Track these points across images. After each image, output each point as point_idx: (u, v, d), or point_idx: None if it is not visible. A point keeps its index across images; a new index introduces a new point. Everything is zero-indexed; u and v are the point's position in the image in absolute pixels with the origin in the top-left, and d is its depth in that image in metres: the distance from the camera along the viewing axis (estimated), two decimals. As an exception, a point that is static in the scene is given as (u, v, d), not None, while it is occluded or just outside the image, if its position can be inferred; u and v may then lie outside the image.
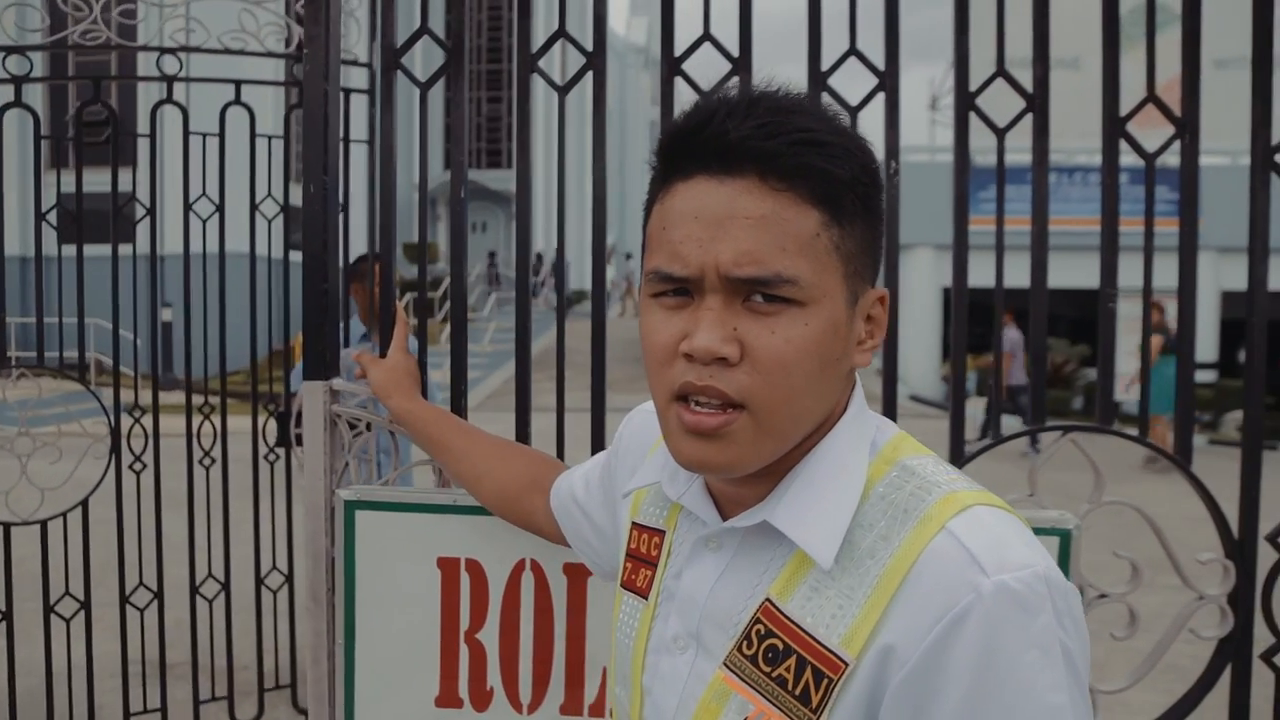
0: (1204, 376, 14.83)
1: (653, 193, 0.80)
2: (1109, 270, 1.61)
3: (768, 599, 0.77)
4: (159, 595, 3.07)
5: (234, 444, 3.25)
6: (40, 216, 2.61)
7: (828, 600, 0.74)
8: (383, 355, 1.51)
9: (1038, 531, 1.42)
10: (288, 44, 3.11)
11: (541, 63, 1.65)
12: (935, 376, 17.06)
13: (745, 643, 0.77)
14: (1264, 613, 1.62)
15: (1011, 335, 10.67)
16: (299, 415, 1.99)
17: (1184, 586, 1.61)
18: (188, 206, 3.02)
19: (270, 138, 3.40)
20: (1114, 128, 1.62)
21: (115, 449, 2.80)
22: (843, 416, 0.80)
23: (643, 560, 0.91)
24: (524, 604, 1.49)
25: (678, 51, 1.63)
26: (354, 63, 2.99)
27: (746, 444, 0.75)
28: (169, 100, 2.82)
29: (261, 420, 3.39)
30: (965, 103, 1.60)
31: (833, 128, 0.75)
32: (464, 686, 1.51)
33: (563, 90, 1.64)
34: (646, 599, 0.88)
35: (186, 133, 2.96)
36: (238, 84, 2.96)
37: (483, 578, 1.49)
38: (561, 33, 1.61)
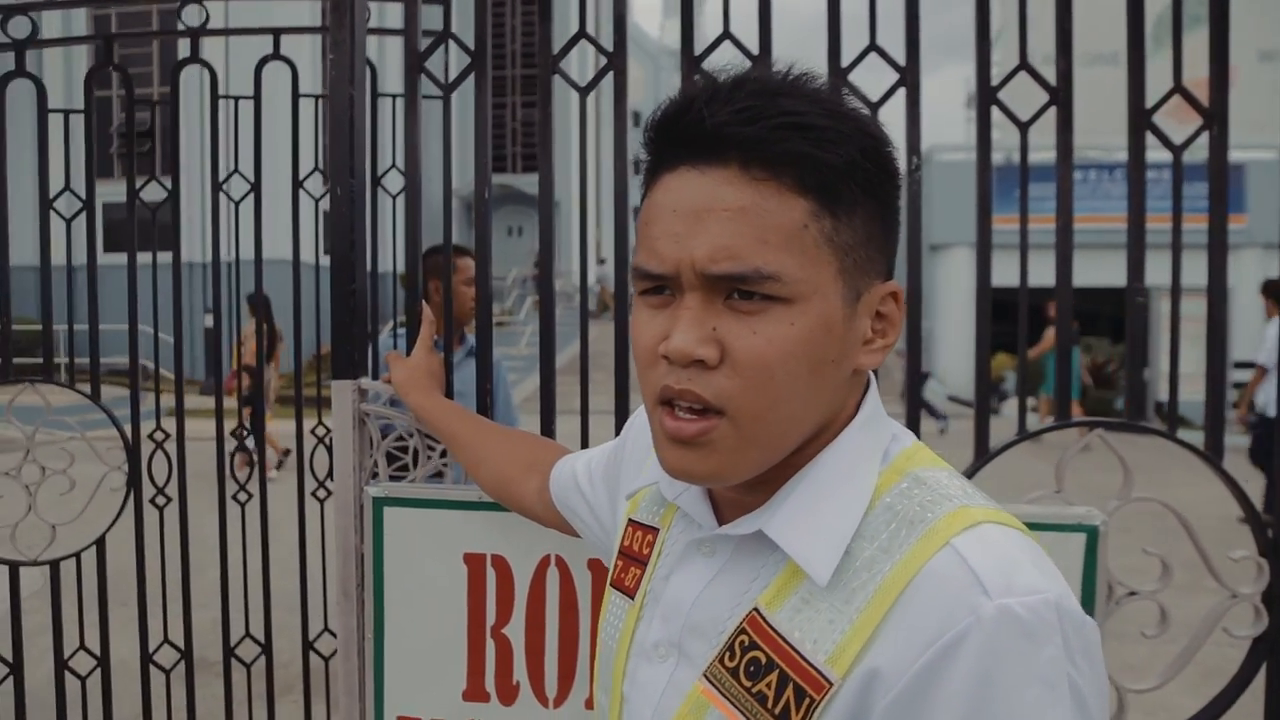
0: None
1: (644, 184, 0.75)
2: (1136, 266, 1.60)
3: (755, 608, 0.73)
4: (187, 655, 2.47)
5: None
6: (48, 204, 2.25)
7: (818, 613, 0.69)
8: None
9: (1063, 529, 1.41)
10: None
11: (572, 66, 1.67)
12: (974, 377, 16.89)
13: (728, 654, 0.73)
14: (1300, 611, 1.59)
15: None
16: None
17: (1218, 586, 1.59)
18: (217, 186, 2.48)
19: (317, 97, 2.84)
20: (1140, 120, 1.60)
21: (134, 481, 2.33)
22: (851, 421, 0.75)
23: (633, 558, 0.87)
24: (549, 599, 1.51)
25: (698, 50, 1.63)
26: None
27: (728, 452, 0.70)
28: (193, 59, 2.24)
29: (310, 447, 2.77)
30: (987, 99, 1.59)
31: (826, 110, 0.69)
32: (490, 680, 1.53)
33: (584, 91, 1.65)
34: (633, 599, 0.85)
35: (215, 97, 2.44)
36: (276, 33, 2.31)
37: (508, 573, 1.52)
38: (582, 34, 1.63)
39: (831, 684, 0.66)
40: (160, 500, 2.50)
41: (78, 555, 2.37)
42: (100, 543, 2.35)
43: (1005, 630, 0.61)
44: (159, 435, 2.56)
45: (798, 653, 0.69)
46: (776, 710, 0.69)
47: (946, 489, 0.71)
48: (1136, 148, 1.60)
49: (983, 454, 1.58)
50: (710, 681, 0.73)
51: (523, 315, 21.70)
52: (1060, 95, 1.57)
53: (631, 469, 0.97)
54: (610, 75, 1.62)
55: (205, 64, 2.35)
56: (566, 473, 1.12)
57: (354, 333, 1.53)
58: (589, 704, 1.52)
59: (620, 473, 1.00)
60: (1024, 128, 1.60)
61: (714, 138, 0.68)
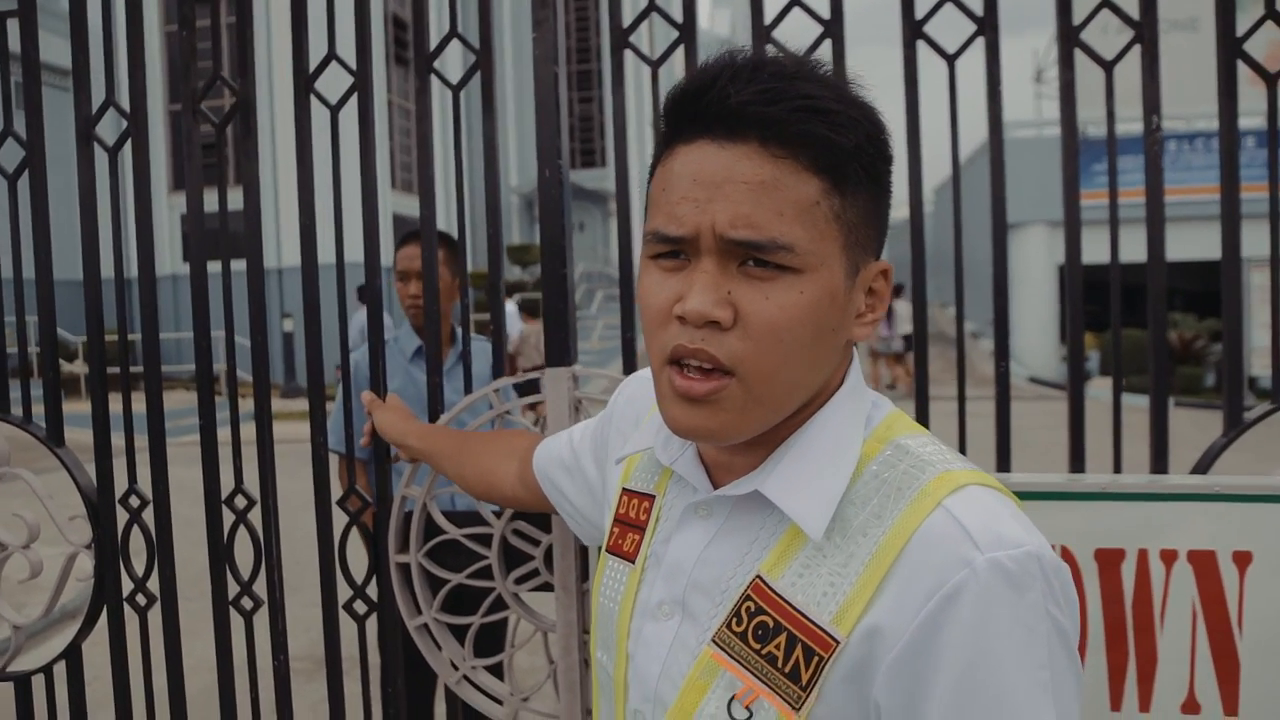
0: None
1: (656, 155, 0.80)
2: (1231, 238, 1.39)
3: (759, 576, 0.77)
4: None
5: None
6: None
7: (819, 577, 0.74)
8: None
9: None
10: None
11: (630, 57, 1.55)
12: (1054, 358, 16.25)
13: (735, 619, 0.77)
14: None
15: None
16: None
17: None
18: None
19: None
20: (1230, 52, 1.43)
21: (103, 570, 1.77)
22: (839, 390, 0.81)
23: (631, 525, 0.91)
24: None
25: (768, 20, 1.53)
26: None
27: (735, 411, 0.75)
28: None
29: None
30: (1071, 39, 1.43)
31: (838, 95, 0.74)
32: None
33: (655, 64, 1.55)
34: (633, 563, 0.88)
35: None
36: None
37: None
38: (653, 6, 1.52)
39: (838, 642, 0.72)
40: (140, 598, 1.82)
41: (47, 669, 1.84)
42: (72, 653, 1.80)
43: (996, 581, 0.67)
44: (134, 501, 1.81)
45: (803, 615, 0.73)
46: (786, 669, 0.74)
47: (929, 455, 0.76)
48: (1227, 80, 1.43)
49: (1235, 425, 1.48)
50: (719, 646, 0.77)
51: (593, 309, 21.69)
52: (1145, 32, 1.41)
53: (618, 438, 1.01)
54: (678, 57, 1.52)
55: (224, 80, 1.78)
56: (550, 451, 1.16)
57: (567, 319, 1.51)
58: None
59: (609, 441, 1.03)
60: (1109, 67, 1.45)
61: (736, 115, 0.72)
